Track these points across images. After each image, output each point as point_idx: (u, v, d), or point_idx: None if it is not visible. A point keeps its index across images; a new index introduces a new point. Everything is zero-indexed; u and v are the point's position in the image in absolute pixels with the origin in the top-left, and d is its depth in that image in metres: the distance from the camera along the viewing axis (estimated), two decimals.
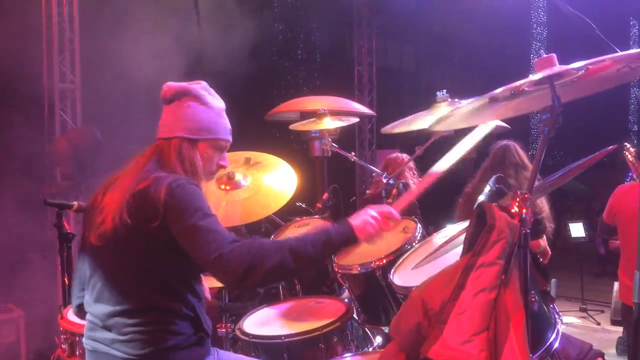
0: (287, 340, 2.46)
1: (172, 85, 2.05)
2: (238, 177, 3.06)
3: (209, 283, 2.46)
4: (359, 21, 9.30)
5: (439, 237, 2.68)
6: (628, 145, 3.88)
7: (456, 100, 3.11)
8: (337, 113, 3.66)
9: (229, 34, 5.99)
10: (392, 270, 2.46)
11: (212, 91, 2.11)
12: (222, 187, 2.99)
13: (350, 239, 1.85)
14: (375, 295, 2.59)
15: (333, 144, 3.27)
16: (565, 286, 7.23)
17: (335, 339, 2.54)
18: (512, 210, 1.33)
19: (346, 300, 2.84)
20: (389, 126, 3.25)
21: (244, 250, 1.72)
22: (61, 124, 5.89)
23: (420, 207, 4.13)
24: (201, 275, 2.02)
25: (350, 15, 9.39)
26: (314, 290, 3.05)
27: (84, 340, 1.98)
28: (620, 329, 5.68)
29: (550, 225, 3.59)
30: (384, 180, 3.17)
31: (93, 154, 5.31)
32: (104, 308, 1.89)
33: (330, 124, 3.36)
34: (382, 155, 9.06)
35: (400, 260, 2.54)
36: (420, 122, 3.09)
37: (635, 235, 2.95)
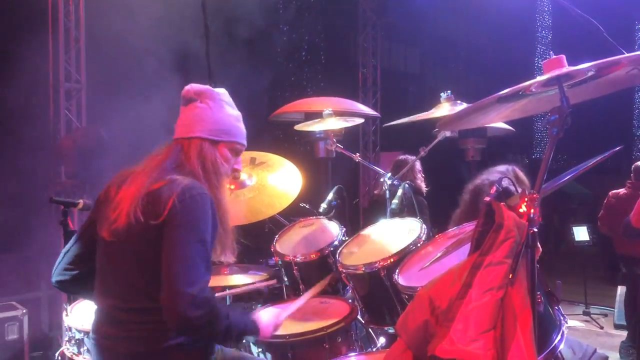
0: (291, 339, 2.47)
1: (195, 85, 2.08)
2: (243, 176, 3.07)
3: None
4: (364, 23, 9.31)
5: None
6: None
7: (459, 102, 3.12)
8: (342, 114, 3.67)
9: (235, 36, 6.01)
10: (397, 271, 2.46)
11: (231, 98, 2.15)
12: (227, 186, 2.99)
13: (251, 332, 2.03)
14: (380, 295, 2.60)
15: (338, 145, 3.27)
16: (569, 290, 7.22)
17: (340, 339, 2.54)
18: (520, 210, 1.34)
19: (350, 300, 2.84)
20: (392, 122, 3.25)
21: (210, 305, 1.74)
22: (66, 123, 5.91)
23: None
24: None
25: (355, 18, 9.40)
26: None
27: (90, 335, 1.99)
28: (623, 333, 5.67)
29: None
30: (388, 182, 3.16)
31: (98, 153, 5.31)
32: (112, 303, 1.90)
33: (335, 124, 3.36)
34: (385, 157, 9.06)
35: (405, 260, 2.53)
36: (423, 117, 3.09)
37: None
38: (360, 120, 3.62)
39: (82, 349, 2.71)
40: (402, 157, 5.05)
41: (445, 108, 2.99)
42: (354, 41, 9.75)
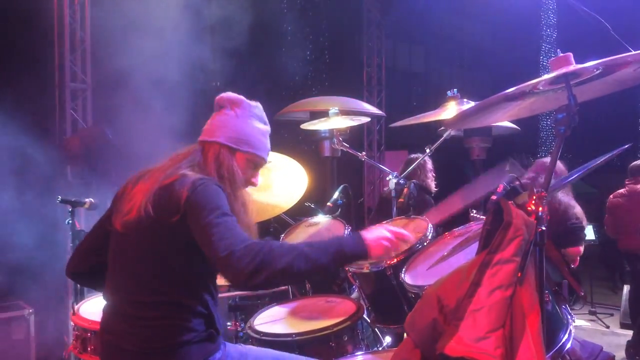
0: (297, 338, 2.47)
1: (229, 94, 2.12)
2: None
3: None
4: (368, 22, 9.30)
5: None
6: None
7: (465, 100, 3.11)
8: (348, 113, 3.67)
9: (238, 35, 6.01)
10: (404, 269, 2.46)
11: (264, 114, 2.17)
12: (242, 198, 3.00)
13: (361, 254, 1.85)
14: (386, 294, 2.59)
15: (344, 144, 3.27)
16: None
17: (346, 338, 2.54)
18: (529, 208, 1.33)
19: (356, 299, 2.84)
20: (398, 122, 3.25)
21: (255, 249, 1.72)
22: (72, 123, 5.93)
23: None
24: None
25: (359, 17, 9.39)
26: (324, 289, 3.06)
27: (99, 333, 2.01)
28: (629, 332, 5.65)
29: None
30: (395, 180, 3.16)
31: (104, 153, 5.33)
32: (120, 296, 1.93)
33: (341, 123, 3.36)
34: (390, 156, 9.05)
35: (412, 259, 2.53)
36: (429, 117, 3.08)
37: None
38: (367, 119, 3.62)
39: (89, 348, 2.72)
40: (413, 155, 5.04)
41: (452, 107, 2.98)
42: (358, 40, 9.74)
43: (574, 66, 1.56)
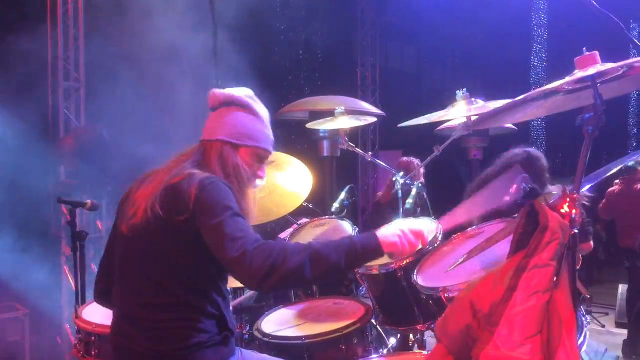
0: (307, 341, 2.44)
1: (218, 93, 2.07)
2: None
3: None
4: (362, 22, 9.27)
5: None
6: None
7: (474, 99, 3.09)
8: (351, 113, 3.64)
9: (231, 34, 5.95)
10: (415, 271, 2.43)
11: (257, 99, 2.12)
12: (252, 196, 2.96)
13: (375, 252, 1.82)
14: (396, 296, 2.56)
15: (350, 143, 3.24)
16: None
17: (356, 341, 2.52)
18: (562, 211, 1.31)
19: (364, 301, 2.81)
20: (407, 122, 3.22)
21: (268, 250, 1.69)
22: (65, 122, 5.84)
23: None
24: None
25: (353, 16, 9.36)
26: (332, 290, 3.03)
27: (110, 336, 1.97)
28: (625, 331, 5.68)
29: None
30: (401, 181, 3.13)
31: (99, 153, 5.27)
32: (129, 299, 1.90)
33: (348, 123, 3.32)
34: (385, 157, 9.02)
35: (423, 260, 2.50)
36: (440, 117, 3.06)
37: None
38: (373, 119, 3.58)
39: (93, 352, 2.67)
40: (404, 158, 5.03)
41: (461, 106, 2.96)
42: (352, 40, 9.71)
43: (601, 65, 1.54)
